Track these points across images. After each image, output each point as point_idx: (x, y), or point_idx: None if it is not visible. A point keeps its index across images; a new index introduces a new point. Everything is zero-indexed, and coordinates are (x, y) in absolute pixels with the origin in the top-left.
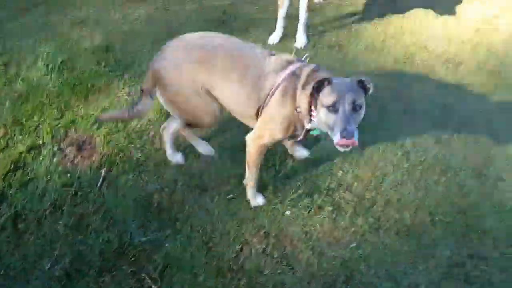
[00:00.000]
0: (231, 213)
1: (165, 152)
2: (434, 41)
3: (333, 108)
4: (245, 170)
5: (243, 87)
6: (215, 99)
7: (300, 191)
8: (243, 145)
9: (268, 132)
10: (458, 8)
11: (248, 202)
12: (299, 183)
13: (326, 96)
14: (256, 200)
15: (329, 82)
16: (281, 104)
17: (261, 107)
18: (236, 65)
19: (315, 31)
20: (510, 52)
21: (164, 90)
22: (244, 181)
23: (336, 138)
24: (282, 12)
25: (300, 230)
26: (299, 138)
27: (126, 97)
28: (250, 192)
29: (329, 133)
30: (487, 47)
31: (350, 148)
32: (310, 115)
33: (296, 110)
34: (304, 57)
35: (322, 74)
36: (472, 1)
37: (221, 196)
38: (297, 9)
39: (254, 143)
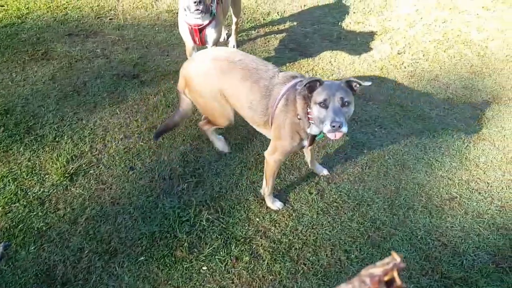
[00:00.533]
0: (143, 277)
1: (69, 219)
2: None
3: (324, 104)
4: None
5: (253, 94)
6: (230, 104)
7: (216, 244)
8: (156, 203)
9: (279, 144)
10: (364, 49)
11: (161, 263)
12: (216, 235)
13: (318, 95)
14: (275, 205)
15: (321, 83)
16: (284, 112)
17: (271, 119)
18: (250, 76)
19: None
20: (414, 86)
21: (190, 91)
22: (261, 191)
23: (326, 128)
24: None
25: (217, 286)
26: (305, 144)
27: (27, 162)
28: (268, 200)
29: (321, 126)
30: (393, 83)
31: (338, 136)
32: (309, 119)
33: (297, 117)
34: (306, 74)
35: None
36: (376, 42)
37: (131, 259)
38: None
39: (270, 158)
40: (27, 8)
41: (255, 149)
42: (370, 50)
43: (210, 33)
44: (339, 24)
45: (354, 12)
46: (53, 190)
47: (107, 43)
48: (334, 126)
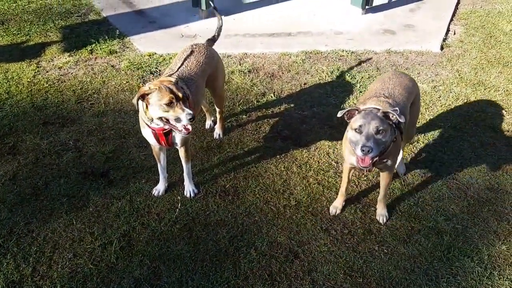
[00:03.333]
0: None
1: None
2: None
3: (358, 129)
4: None
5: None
6: None
7: None
8: None
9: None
10: None
11: None
12: None
13: (355, 121)
14: (332, 207)
15: (359, 111)
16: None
17: None
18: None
19: (210, 175)
20: (427, 187)
21: None
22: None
23: (358, 152)
24: (160, 165)
25: None
26: (354, 163)
27: None
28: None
29: (354, 151)
30: (401, 181)
31: (367, 163)
32: None
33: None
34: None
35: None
36: None
37: None
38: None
39: (344, 164)
40: (7, 93)
41: (230, 277)
42: None
43: (178, 135)
44: (343, 105)
45: (360, 91)
46: None
47: (82, 133)
48: (363, 150)
